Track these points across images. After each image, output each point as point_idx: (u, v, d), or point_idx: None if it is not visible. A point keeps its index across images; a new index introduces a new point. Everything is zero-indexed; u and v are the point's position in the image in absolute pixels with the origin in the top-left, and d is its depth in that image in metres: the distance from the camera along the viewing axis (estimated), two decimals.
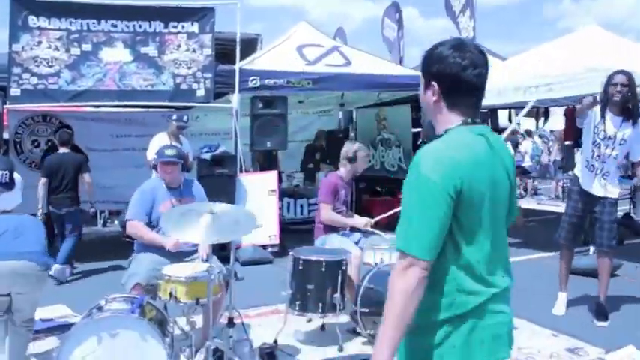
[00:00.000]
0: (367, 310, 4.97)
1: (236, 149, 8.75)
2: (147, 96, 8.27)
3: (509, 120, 14.70)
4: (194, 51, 8.37)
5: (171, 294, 4.16)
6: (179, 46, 8.33)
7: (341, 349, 4.92)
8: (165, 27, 8.29)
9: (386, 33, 15.36)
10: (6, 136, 9.51)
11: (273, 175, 9.01)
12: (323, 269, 4.86)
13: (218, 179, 8.40)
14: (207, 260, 4.38)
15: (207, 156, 8.46)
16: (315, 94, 10.51)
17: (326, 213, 5.69)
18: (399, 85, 9.65)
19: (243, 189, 8.72)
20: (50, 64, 7.92)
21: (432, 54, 2.05)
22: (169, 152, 4.98)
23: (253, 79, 8.65)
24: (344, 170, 5.91)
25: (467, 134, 2.01)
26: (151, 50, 8.23)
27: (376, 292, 4.95)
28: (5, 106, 8.18)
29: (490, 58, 8.63)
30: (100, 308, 3.90)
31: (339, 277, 4.88)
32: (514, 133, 14.18)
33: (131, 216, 4.90)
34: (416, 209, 1.89)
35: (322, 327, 5.43)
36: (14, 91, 7.89)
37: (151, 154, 7.58)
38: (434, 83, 2.04)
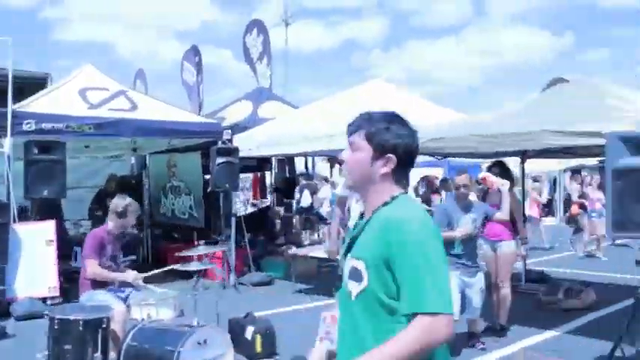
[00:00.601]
0: None
1: (8, 196, 8.27)
2: None
3: (306, 167, 15.34)
4: None
5: None
6: None
7: None
8: None
9: (185, 77, 15.42)
10: None
11: (50, 224, 8.64)
12: (80, 328, 4.74)
13: None
14: None
15: None
16: (97, 139, 10.24)
17: (92, 268, 5.58)
18: (187, 132, 9.73)
19: (18, 239, 8.27)
20: None
21: (387, 128, 2.14)
22: None
23: (28, 123, 8.27)
24: (112, 224, 5.85)
25: (411, 201, 2.19)
26: None
27: (139, 349, 4.91)
28: None
29: (283, 106, 9.07)
30: None
31: (99, 336, 4.78)
32: (310, 179, 14.75)
33: None
34: (432, 270, 1.92)
35: None
36: None
37: None
38: (391, 156, 2.12)
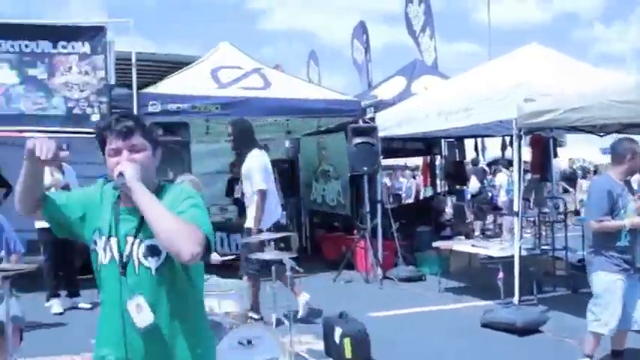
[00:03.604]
0: None
1: None
2: (37, 121, 8.12)
3: (476, 149, 14.23)
4: (87, 73, 8.26)
5: None
6: (70, 67, 8.23)
7: None
8: (54, 47, 8.20)
9: (355, 55, 15.14)
10: None
11: None
12: None
13: None
14: None
15: None
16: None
17: None
18: (324, 111, 9.42)
19: None
20: None
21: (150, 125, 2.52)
22: None
23: (153, 104, 8.47)
24: None
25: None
26: (39, 72, 8.14)
27: None
28: None
29: (441, 81, 8.31)
30: None
31: None
32: (476, 163, 13.71)
33: None
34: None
35: None
36: None
37: None
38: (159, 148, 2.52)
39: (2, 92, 8.03)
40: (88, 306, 7.59)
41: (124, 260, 2.38)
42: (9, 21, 8.31)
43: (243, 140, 6.81)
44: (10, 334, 4.43)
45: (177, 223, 2.22)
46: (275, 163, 11.82)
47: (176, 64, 10.04)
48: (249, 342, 4.48)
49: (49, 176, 7.52)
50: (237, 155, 7.03)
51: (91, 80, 8.29)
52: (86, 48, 8.29)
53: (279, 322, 5.50)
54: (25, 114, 8.11)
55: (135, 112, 8.40)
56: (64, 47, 8.24)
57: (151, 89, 8.77)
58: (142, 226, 2.37)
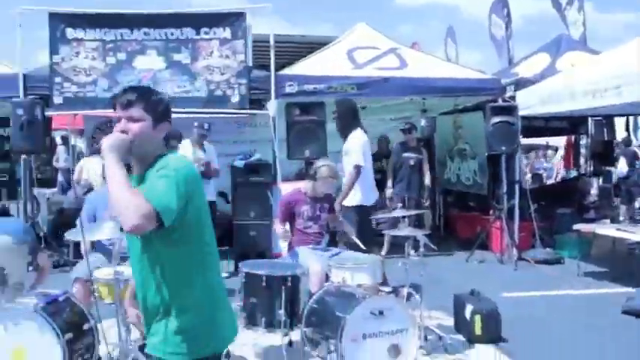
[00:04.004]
0: (309, 330, 5.04)
1: (274, 157, 9.07)
2: (181, 103, 8.76)
3: (627, 129, 13.64)
4: (227, 57, 8.87)
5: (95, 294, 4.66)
6: (212, 52, 8.87)
7: None
8: (197, 33, 8.88)
9: (493, 31, 14.94)
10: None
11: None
12: (263, 284, 5.01)
13: (253, 187, 8.78)
14: None
15: (240, 163, 8.85)
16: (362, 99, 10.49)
17: (275, 228, 6.07)
18: (462, 89, 9.52)
19: None
20: (88, 73, 8.81)
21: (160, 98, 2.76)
22: None
23: (291, 85, 8.94)
24: (307, 185, 6.06)
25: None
26: (183, 57, 8.84)
27: (318, 311, 5.02)
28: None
29: (590, 57, 8.18)
30: None
31: (283, 293, 4.99)
32: (628, 144, 13.15)
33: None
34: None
35: (290, 343, 5.51)
36: (57, 99, 8.87)
37: None
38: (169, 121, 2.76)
39: (150, 77, 8.80)
40: (225, 275, 8.17)
41: None
42: (158, 11, 9.06)
43: (347, 120, 7.15)
44: None
45: (125, 197, 2.36)
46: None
47: (313, 45, 10.49)
48: (381, 312, 4.78)
49: (191, 154, 8.18)
50: (342, 137, 7.24)
51: (231, 63, 8.91)
52: (227, 33, 8.91)
53: (409, 296, 5.78)
54: (170, 96, 8.81)
55: (272, 93, 8.96)
56: (206, 33, 8.91)
57: (287, 70, 9.25)
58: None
